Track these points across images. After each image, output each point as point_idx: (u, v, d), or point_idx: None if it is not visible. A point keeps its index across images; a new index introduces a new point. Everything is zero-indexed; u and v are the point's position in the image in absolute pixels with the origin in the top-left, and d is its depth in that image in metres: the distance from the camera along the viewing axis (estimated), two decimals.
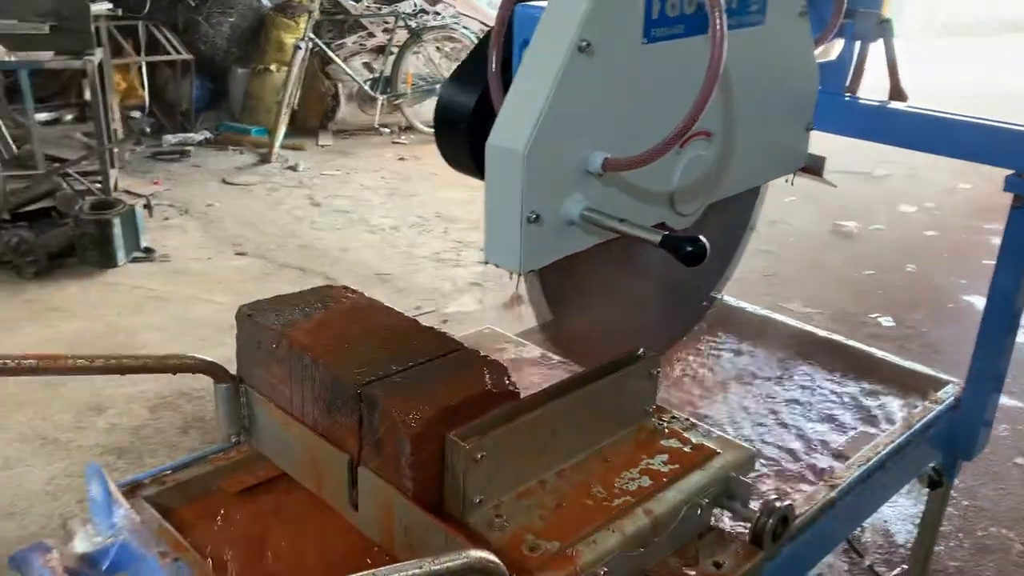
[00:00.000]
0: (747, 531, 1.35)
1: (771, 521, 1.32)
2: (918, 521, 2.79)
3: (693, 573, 1.29)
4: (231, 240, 5.35)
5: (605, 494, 1.28)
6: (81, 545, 1.38)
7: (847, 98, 2.01)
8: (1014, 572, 2.78)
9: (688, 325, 2.11)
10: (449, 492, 1.22)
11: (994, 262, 1.78)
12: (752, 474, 1.69)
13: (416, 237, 5.57)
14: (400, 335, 1.44)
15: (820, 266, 5.32)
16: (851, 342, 2.18)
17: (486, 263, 1.40)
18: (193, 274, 4.84)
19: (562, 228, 1.37)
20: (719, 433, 1.46)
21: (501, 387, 1.30)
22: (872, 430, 1.84)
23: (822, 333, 2.25)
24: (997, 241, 1.78)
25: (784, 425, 1.88)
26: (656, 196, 1.52)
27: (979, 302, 4.76)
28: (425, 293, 4.67)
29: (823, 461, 1.74)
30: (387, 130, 8.05)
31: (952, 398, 1.90)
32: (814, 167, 1.88)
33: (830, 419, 1.89)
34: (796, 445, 1.80)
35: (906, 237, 5.89)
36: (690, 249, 1.24)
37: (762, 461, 1.74)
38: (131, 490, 1.43)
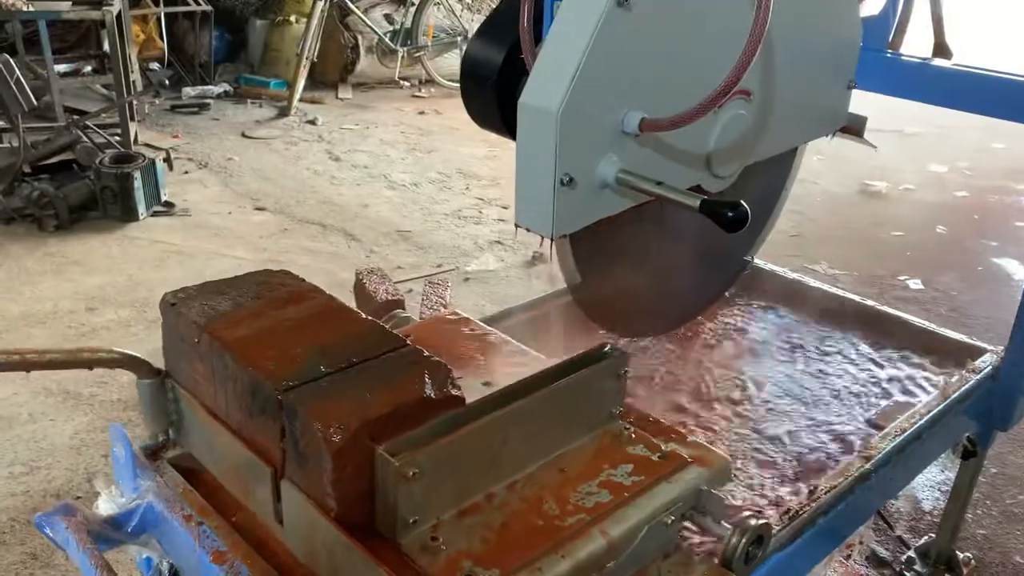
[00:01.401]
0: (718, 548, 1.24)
1: (743, 542, 1.21)
2: (945, 488, 2.76)
3: None
4: (251, 195, 5.32)
5: (558, 511, 1.17)
6: (105, 507, 1.37)
7: (889, 55, 1.93)
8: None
9: (721, 289, 2.06)
10: (380, 511, 1.10)
11: None
12: (779, 446, 1.67)
13: (437, 193, 5.51)
14: (337, 331, 1.30)
15: (847, 227, 5.22)
16: (884, 307, 2.13)
17: (516, 227, 1.35)
18: (213, 228, 4.82)
19: (596, 191, 1.31)
20: (694, 438, 1.35)
21: (442, 392, 1.17)
22: (908, 399, 1.79)
23: (854, 297, 2.20)
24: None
25: (816, 392, 1.84)
26: (692, 158, 1.46)
27: (1009, 265, 4.66)
28: (446, 251, 4.63)
29: (858, 432, 1.70)
30: (407, 84, 7.94)
31: (990, 367, 1.84)
32: (855, 127, 1.80)
33: (864, 387, 1.85)
34: (829, 415, 1.76)
35: (936, 198, 5.76)
36: (731, 215, 1.19)
37: (791, 428, 1.70)
38: (154, 453, 1.41)
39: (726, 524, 1.27)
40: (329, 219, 4.99)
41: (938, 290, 4.36)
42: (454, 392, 1.19)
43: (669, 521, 1.24)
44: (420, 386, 1.16)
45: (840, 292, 2.23)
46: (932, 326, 2.03)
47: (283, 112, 7.00)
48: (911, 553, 2.39)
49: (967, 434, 1.89)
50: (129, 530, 1.34)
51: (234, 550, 1.22)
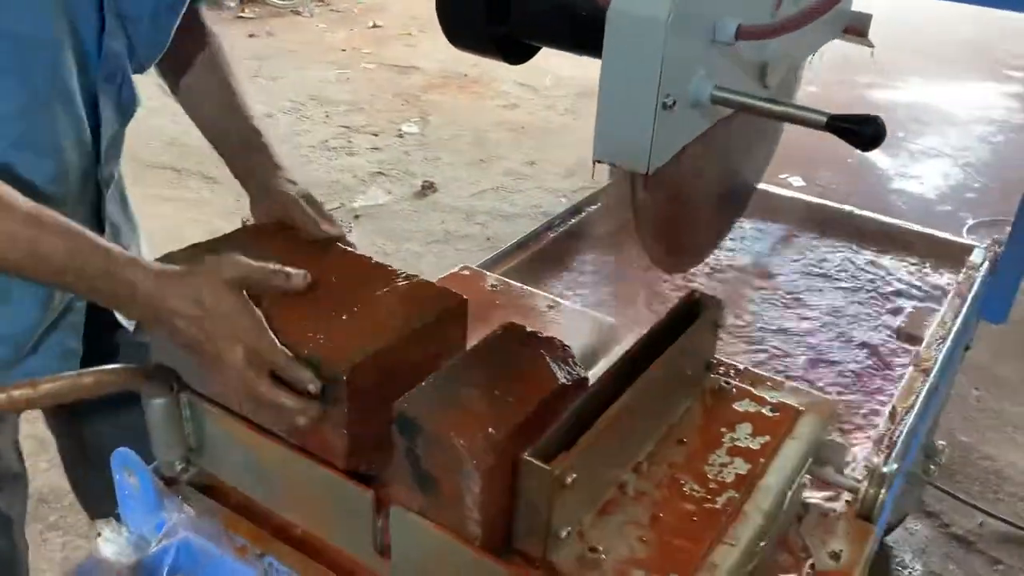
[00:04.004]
0: (842, 502, 1.14)
1: (882, 491, 1.12)
2: None
3: (809, 571, 1.06)
4: None
5: (702, 492, 1.03)
6: (110, 549, 1.09)
7: None
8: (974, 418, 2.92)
9: (737, 217, 1.93)
10: (524, 528, 0.92)
11: None
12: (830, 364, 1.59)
13: (295, 124, 5.06)
14: (401, 304, 1.06)
15: None
16: (863, 212, 2.09)
17: (596, 163, 1.15)
18: None
19: (685, 113, 1.12)
20: (790, 383, 1.24)
21: (572, 377, 0.99)
22: (925, 304, 1.75)
23: (825, 203, 2.14)
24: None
25: (829, 305, 1.77)
26: (750, 67, 1.29)
27: (872, 155, 4.87)
28: (325, 188, 4.26)
29: (891, 343, 1.64)
30: (230, 3, 7.21)
31: (987, 263, 1.84)
32: (858, 26, 1.69)
33: (877, 296, 1.79)
34: (851, 328, 1.70)
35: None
36: (870, 131, 1.04)
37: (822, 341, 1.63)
38: (168, 480, 1.13)
39: (850, 474, 1.17)
40: (182, 162, 4.46)
41: (819, 185, 4.49)
42: (582, 374, 1.00)
43: (805, 481, 1.12)
44: (549, 373, 0.96)
45: (813, 199, 2.17)
46: (916, 227, 2.01)
47: None
48: None
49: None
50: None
51: None
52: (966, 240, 1.96)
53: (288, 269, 1.03)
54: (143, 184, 4.18)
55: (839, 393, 1.50)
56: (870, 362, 1.60)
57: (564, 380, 0.96)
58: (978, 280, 1.77)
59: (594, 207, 2.01)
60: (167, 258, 1.08)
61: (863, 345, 1.63)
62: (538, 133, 5.04)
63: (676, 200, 1.49)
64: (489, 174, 4.54)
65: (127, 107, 1.29)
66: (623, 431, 1.00)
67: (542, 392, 0.93)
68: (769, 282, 1.88)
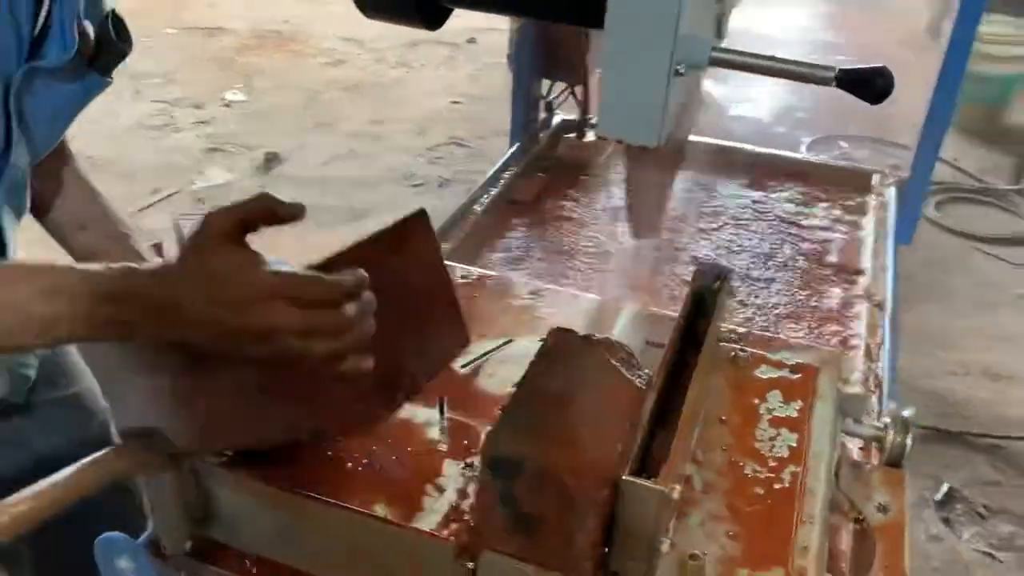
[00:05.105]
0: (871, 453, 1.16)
1: (908, 437, 1.12)
2: None
3: (866, 528, 1.05)
4: None
5: (764, 471, 1.00)
6: None
7: None
8: None
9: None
10: (628, 550, 0.85)
11: None
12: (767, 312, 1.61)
13: (105, 104, 4.54)
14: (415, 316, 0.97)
15: None
16: (761, 149, 2.13)
17: (600, 139, 1.07)
18: None
19: (685, 79, 1.06)
20: (796, 341, 1.24)
21: (643, 378, 0.93)
22: (855, 232, 1.82)
23: (721, 143, 2.17)
24: None
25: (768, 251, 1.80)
26: (711, 22, 1.25)
27: (705, 85, 5.04)
28: (156, 173, 3.88)
29: (821, 273, 1.69)
30: None
31: (893, 188, 1.93)
32: None
33: (808, 228, 1.84)
34: (786, 269, 1.73)
35: None
36: (881, 82, 1.02)
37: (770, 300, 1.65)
38: (159, 550, 0.98)
39: (871, 422, 1.19)
40: None
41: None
42: (648, 372, 0.93)
43: (843, 439, 1.12)
44: (623, 380, 0.89)
45: (707, 140, 2.19)
46: (815, 158, 2.08)
47: None
48: None
49: None
50: None
51: None
52: (865, 168, 2.05)
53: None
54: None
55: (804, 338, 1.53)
56: (820, 303, 1.64)
57: (640, 385, 0.89)
58: (892, 206, 1.86)
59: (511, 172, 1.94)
60: None
61: (807, 287, 1.67)
62: (374, 89, 4.82)
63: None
64: (334, 138, 4.30)
65: (20, 211, 1.09)
66: (691, 428, 0.95)
67: (630, 404, 0.86)
68: (696, 234, 1.88)
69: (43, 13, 0.91)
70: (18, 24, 0.89)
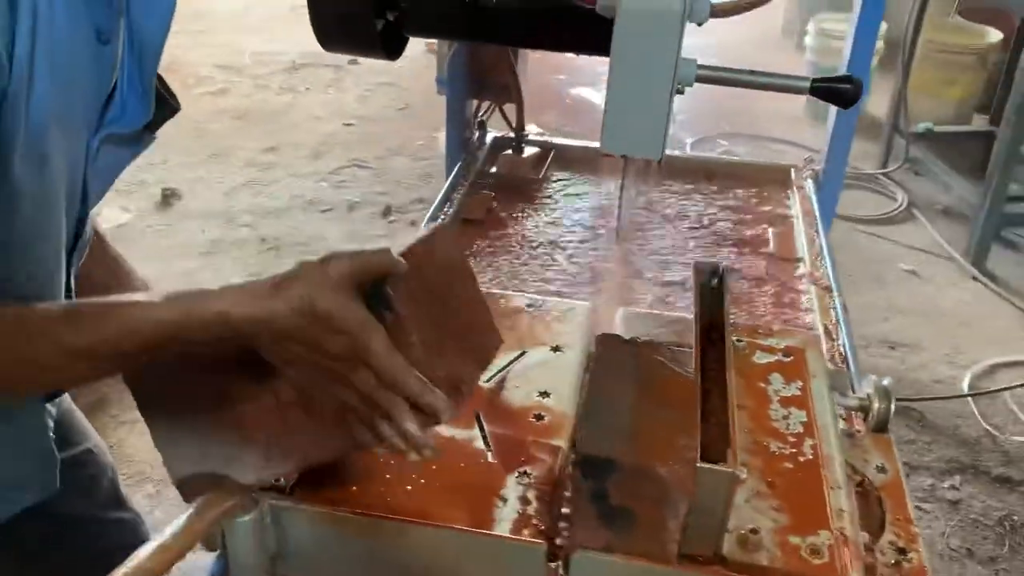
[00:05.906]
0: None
1: (891, 404, 1.21)
2: None
3: (870, 488, 1.14)
4: None
5: (787, 447, 1.10)
6: None
7: None
8: None
9: None
10: (699, 530, 0.93)
11: None
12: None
13: None
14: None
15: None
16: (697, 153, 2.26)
17: (604, 155, 1.14)
18: None
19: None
20: (777, 325, 1.35)
21: (688, 371, 1.04)
22: (786, 223, 1.96)
23: None
24: None
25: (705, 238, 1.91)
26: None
27: (585, 92, 5.22)
28: None
29: (776, 264, 1.82)
30: None
31: (810, 179, 2.09)
32: None
33: (742, 224, 1.96)
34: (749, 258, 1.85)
35: None
36: (851, 88, 1.13)
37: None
38: None
39: (855, 394, 1.31)
40: None
41: (550, 128, 4.71)
42: (692, 367, 1.01)
43: (841, 411, 1.23)
44: (676, 374, 0.97)
45: None
46: (736, 158, 2.22)
47: None
48: None
49: None
50: None
51: None
52: (782, 163, 2.20)
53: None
54: None
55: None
56: (770, 292, 1.76)
57: (688, 376, 0.97)
58: (814, 196, 2.02)
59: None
60: None
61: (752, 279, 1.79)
62: (264, 116, 4.74)
63: None
64: (231, 169, 4.20)
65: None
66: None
67: (684, 395, 0.93)
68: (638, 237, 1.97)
69: (115, 72, 0.87)
70: (100, 85, 0.86)
